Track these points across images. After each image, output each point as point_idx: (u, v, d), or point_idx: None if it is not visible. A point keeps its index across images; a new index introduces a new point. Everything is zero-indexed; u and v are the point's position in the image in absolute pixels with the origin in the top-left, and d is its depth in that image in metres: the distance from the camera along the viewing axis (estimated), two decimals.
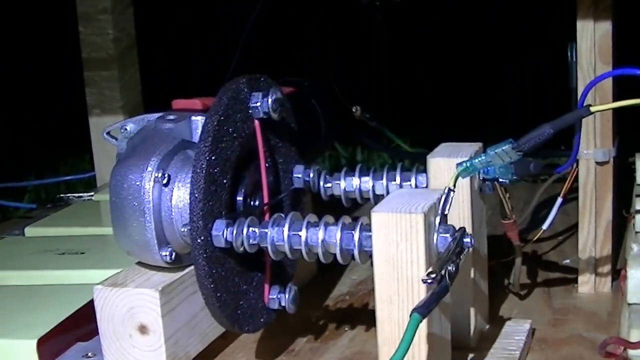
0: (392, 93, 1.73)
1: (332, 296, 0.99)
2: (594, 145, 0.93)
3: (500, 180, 0.75)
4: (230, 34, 1.39)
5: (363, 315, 0.92)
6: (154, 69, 1.45)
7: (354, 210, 0.93)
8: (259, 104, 0.75)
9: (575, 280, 0.97)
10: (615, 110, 0.92)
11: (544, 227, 0.96)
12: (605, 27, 0.89)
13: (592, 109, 0.63)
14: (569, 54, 0.92)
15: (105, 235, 1.03)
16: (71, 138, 1.46)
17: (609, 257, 0.95)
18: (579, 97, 0.70)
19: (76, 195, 1.29)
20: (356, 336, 0.88)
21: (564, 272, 1.03)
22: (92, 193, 1.27)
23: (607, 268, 0.96)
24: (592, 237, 0.95)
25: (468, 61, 1.82)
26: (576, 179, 0.94)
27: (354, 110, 1.05)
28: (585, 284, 0.96)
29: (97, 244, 1.01)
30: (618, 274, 0.92)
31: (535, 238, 0.98)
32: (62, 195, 1.31)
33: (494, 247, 0.92)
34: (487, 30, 1.80)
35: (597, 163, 0.93)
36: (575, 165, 0.94)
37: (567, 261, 1.06)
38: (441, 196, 0.66)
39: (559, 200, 0.95)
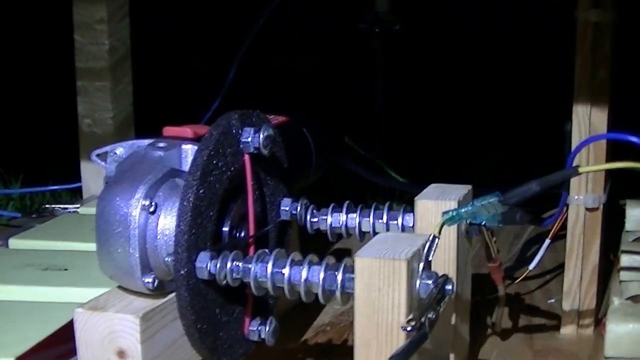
0: (387, 122, 1.76)
1: (314, 326, 1.01)
2: (585, 191, 0.95)
3: (487, 225, 0.77)
4: (226, 52, 1.41)
5: (342, 349, 0.94)
6: (146, 83, 1.47)
7: (342, 239, 0.95)
8: (250, 139, 0.77)
9: (559, 322, 0.99)
10: (609, 148, 0.94)
11: (531, 267, 0.99)
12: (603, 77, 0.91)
13: (581, 170, 0.66)
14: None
15: (89, 252, 1.04)
16: (59, 147, 1.48)
17: (593, 301, 0.98)
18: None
19: (62, 206, 1.31)
20: None
21: (548, 313, 1.05)
22: (78, 205, 1.29)
23: (590, 311, 0.98)
24: (578, 280, 0.98)
25: (466, 91, 1.84)
26: (565, 221, 0.97)
27: (345, 139, 1.07)
28: (568, 326, 0.99)
29: (81, 261, 1.02)
30: (601, 319, 0.95)
31: (521, 278, 1.00)
32: (47, 205, 1.33)
33: (480, 282, 0.94)
34: (486, 62, 1.83)
35: (587, 209, 0.95)
36: (565, 209, 0.96)
37: (552, 300, 1.08)
38: (425, 242, 0.68)
39: (547, 241, 0.98)
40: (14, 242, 1.12)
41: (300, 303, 1.04)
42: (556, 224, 0.96)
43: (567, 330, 0.99)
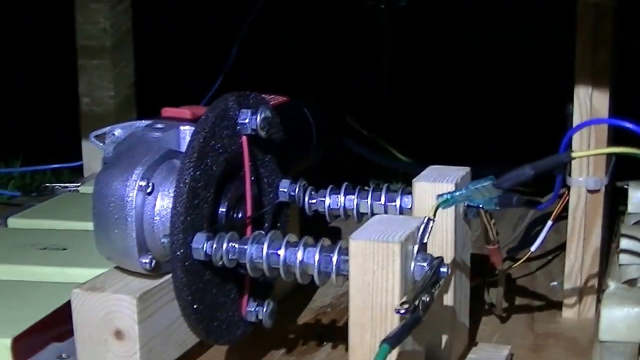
0: (392, 102, 1.77)
1: (314, 307, 1.03)
2: (586, 173, 0.96)
3: (484, 207, 0.79)
4: (227, 35, 1.43)
5: (342, 331, 0.96)
6: (149, 67, 1.48)
7: (340, 222, 0.97)
8: (247, 121, 0.79)
9: (560, 305, 1.01)
10: (612, 131, 0.96)
11: (532, 249, 1.00)
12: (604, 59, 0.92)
13: (574, 154, 0.67)
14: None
15: (88, 231, 1.06)
16: (60, 125, 1.50)
17: (594, 284, 0.99)
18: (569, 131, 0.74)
19: (62, 185, 1.33)
20: (333, 352, 0.92)
21: (550, 296, 1.06)
22: (78, 184, 1.31)
23: (592, 295, 0.99)
24: (579, 263, 0.99)
25: (473, 71, 1.85)
26: (567, 203, 0.98)
27: (347, 119, 1.09)
28: (570, 309, 1.00)
29: (80, 240, 1.04)
30: None
31: (522, 260, 1.02)
32: (47, 184, 1.35)
33: (480, 265, 0.95)
34: (494, 38, 1.83)
35: (589, 191, 0.96)
36: (567, 190, 0.98)
37: (555, 283, 1.09)
38: (420, 225, 0.69)
39: (549, 223, 0.99)
40: (13, 222, 1.15)
41: (299, 285, 1.07)
42: (558, 206, 0.97)
43: (569, 313, 1.00)
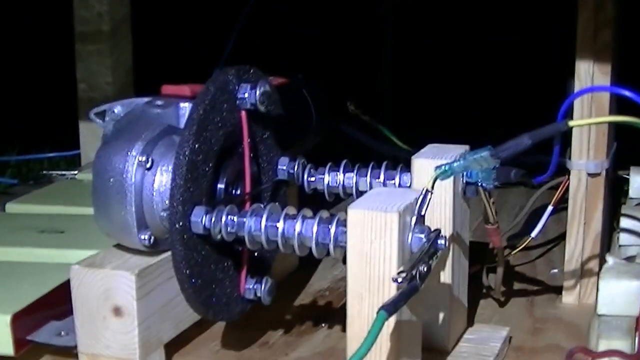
0: (393, 88, 1.78)
1: (312, 291, 1.05)
2: (586, 157, 0.97)
3: (483, 184, 0.81)
4: (228, 18, 1.44)
5: (341, 313, 0.98)
6: (148, 51, 1.50)
7: (339, 202, 0.99)
8: (246, 95, 0.81)
9: (560, 291, 1.03)
10: (614, 102, 0.97)
11: (533, 235, 1.01)
12: (605, 39, 0.94)
13: (571, 123, 0.69)
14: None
15: (86, 216, 1.08)
16: (58, 113, 1.52)
17: (595, 269, 1.00)
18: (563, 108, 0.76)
19: (59, 172, 1.35)
20: (332, 333, 0.94)
21: (550, 281, 1.08)
22: (75, 171, 1.33)
23: (592, 280, 1.00)
24: (580, 248, 1.00)
25: (474, 58, 1.87)
26: (568, 188, 1.00)
27: (348, 104, 1.11)
28: (570, 294, 1.02)
29: (77, 224, 1.07)
30: None
31: (523, 246, 1.04)
32: (45, 172, 1.37)
33: (482, 253, 0.97)
34: (494, 26, 1.85)
35: (589, 174, 0.98)
36: (567, 175, 0.99)
37: (555, 271, 1.11)
38: (419, 196, 0.71)
39: (550, 208, 1.00)
40: (11, 207, 1.17)
41: (296, 269, 1.09)
42: (559, 190, 0.99)
43: (568, 298, 1.01)
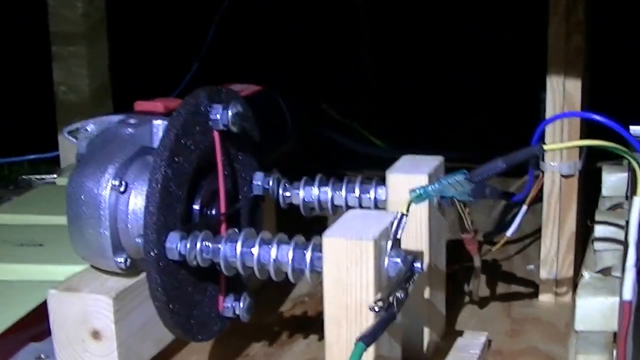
0: (370, 88, 1.75)
1: (292, 297, 1.03)
2: (559, 159, 0.96)
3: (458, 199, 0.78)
4: (202, 22, 1.42)
5: (320, 321, 0.96)
6: (123, 50, 1.47)
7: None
8: (218, 116, 0.78)
9: (537, 289, 1.01)
10: (584, 122, 0.96)
11: (508, 234, 1.00)
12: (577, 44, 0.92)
13: (545, 147, 0.67)
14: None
15: (65, 226, 1.05)
16: (36, 116, 1.48)
17: (570, 268, 0.99)
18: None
19: (39, 177, 1.32)
20: (312, 342, 0.92)
21: (526, 280, 1.06)
22: (55, 175, 1.30)
23: (568, 279, 0.99)
24: (555, 247, 0.99)
25: (455, 53, 1.84)
26: (542, 187, 0.98)
27: (322, 106, 1.08)
28: (546, 293, 1.00)
29: (57, 235, 1.03)
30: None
31: (498, 246, 1.02)
32: (24, 176, 1.34)
33: (458, 250, 0.95)
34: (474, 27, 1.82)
35: (563, 176, 0.96)
36: (541, 175, 0.98)
37: (531, 266, 1.10)
38: (394, 220, 0.69)
39: (524, 208, 0.98)
40: None
41: None
42: (533, 190, 0.97)
43: (545, 298, 1.00)
